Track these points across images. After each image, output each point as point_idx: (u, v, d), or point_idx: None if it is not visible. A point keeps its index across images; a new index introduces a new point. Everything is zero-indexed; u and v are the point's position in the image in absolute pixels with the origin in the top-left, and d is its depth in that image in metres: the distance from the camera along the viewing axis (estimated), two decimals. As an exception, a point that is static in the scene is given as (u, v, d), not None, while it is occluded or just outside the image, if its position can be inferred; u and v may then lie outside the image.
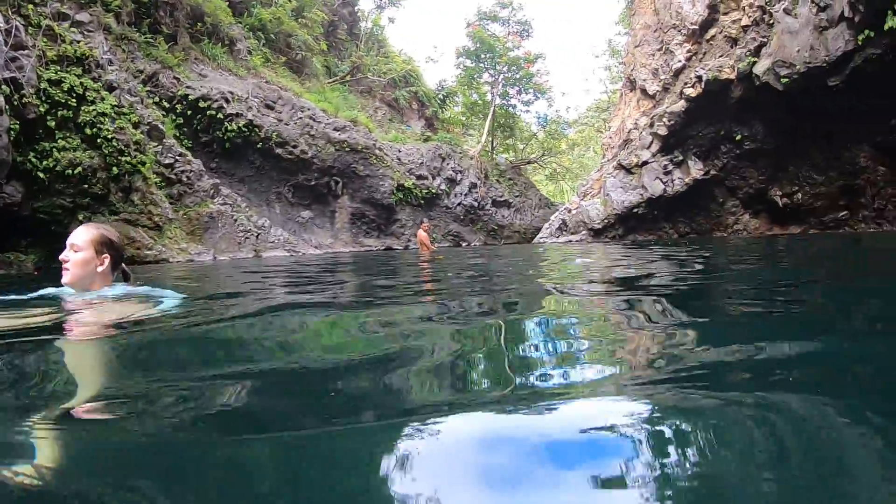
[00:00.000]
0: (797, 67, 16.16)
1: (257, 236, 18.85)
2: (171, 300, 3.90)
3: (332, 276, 7.62)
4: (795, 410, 1.50)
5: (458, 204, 29.99)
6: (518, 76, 37.30)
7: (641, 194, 21.60)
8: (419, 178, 27.85)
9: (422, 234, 17.74)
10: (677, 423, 1.42)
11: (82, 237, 3.79)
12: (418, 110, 34.00)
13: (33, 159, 14.11)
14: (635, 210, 21.74)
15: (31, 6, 15.25)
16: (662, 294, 4.16)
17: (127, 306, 3.67)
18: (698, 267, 6.68)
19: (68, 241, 3.77)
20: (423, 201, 27.83)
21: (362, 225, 25.45)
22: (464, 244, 29.07)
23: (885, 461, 1.24)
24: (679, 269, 6.41)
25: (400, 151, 27.78)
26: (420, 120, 33.92)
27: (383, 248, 24.94)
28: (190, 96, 19.52)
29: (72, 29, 15.92)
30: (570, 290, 4.75)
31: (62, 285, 3.90)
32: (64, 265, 3.76)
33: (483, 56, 36.30)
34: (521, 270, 7.54)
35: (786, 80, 16.54)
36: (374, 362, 2.25)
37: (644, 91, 23.58)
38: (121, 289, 3.97)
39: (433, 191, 28.37)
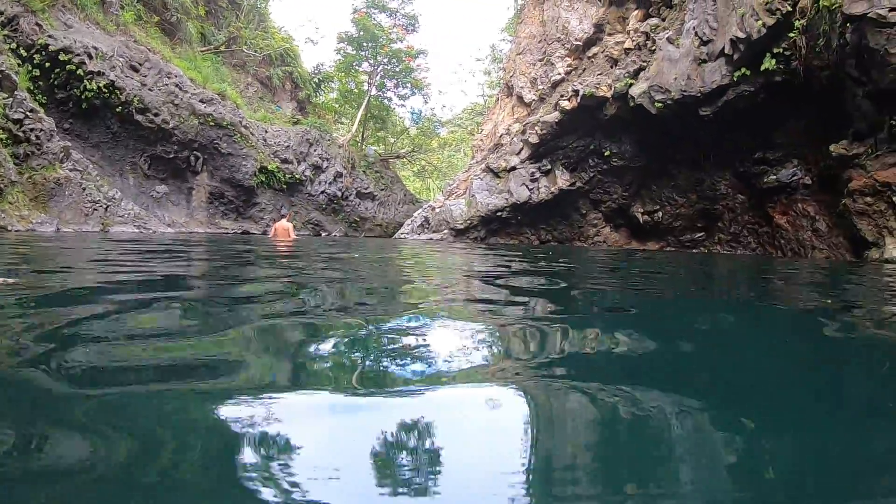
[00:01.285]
0: (672, 94, 17.26)
1: (106, 208, 17.75)
2: None
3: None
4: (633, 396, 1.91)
5: (322, 192, 29.63)
6: (398, 69, 37.35)
7: (507, 199, 22.30)
8: (284, 161, 27.24)
9: (285, 224, 17.24)
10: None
11: None
12: (291, 91, 33.17)
13: None
14: (499, 213, 22.43)
15: None
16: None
17: None
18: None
19: None
20: (285, 186, 27.26)
21: (220, 206, 24.59)
22: (324, 234, 28.82)
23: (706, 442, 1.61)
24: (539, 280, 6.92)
25: (267, 132, 27.01)
26: (292, 102, 33.12)
27: (240, 231, 24.28)
28: (51, 47, 17.99)
29: None
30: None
31: None
32: None
33: (365, 44, 36.02)
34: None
35: (659, 104, 17.63)
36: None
37: (520, 98, 24.32)
38: None
39: (297, 176, 27.86)
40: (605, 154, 21.22)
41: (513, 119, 24.47)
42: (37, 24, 17.88)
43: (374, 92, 37.19)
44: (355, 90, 38.22)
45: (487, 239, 22.86)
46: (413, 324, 3.11)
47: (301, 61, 33.89)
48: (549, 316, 3.56)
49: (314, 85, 35.16)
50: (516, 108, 24.75)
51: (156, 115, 21.13)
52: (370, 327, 2.92)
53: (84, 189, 17.19)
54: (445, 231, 23.28)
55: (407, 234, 24.88)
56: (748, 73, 15.55)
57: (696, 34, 16.80)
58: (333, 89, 38.38)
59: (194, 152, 22.96)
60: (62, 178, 16.56)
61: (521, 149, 22.39)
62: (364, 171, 33.12)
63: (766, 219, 18.30)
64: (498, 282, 5.59)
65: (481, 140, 26.89)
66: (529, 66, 24.27)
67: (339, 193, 30.47)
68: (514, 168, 22.45)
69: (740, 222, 19.63)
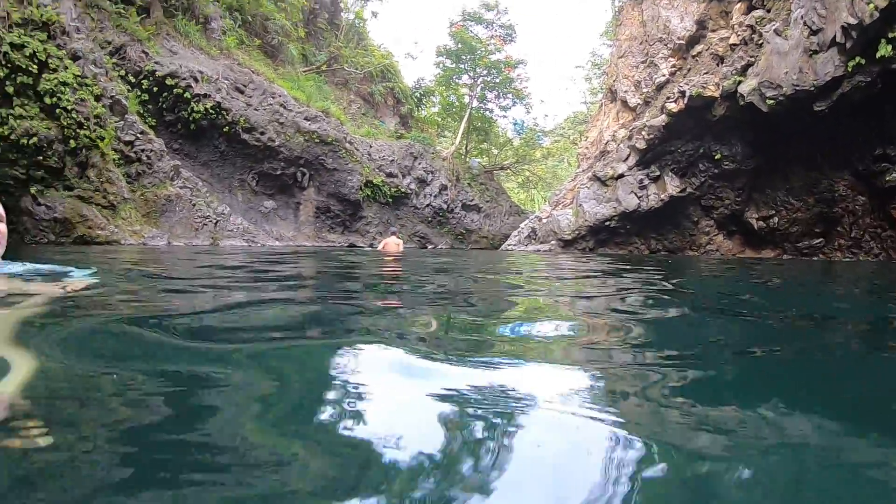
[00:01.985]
0: (784, 89, 16.06)
1: (216, 223, 18.32)
2: (78, 275, 3.80)
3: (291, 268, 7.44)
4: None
5: (427, 205, 29.64)
6: (497, 80, 37.06)
7: (615, 207, 21.46)
8: (389, 175, 27.45)
9: (395, 240, 17.54)
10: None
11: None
12: (393, 107, 33.58)
13: None
14: (607, 223, 21.60)
15: None
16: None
17: (42, 284, 3.55)
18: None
19: None
20: (391, 200, 27.44)
21: (327, 219, 25.00)
22: (430, 246, 28.75)
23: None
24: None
25: (371, 147, 27.33)
26: (394, 117, 33.51)
27: (347, 244, 24.53)
28: (157, 72, 18.90)
29: None
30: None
31: None
32: None
33: (464, 57, 36.00)
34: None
35: (771, 101, 16.43)
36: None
37: (625, 103, 23.49)
38: (17, 265, 3.84)
39: (402, 190, 27.99)
40: (716, 157, 20.08)
41: (618, 125, 23.60)
42: (143, 51, 18.80)
43: (475, 104, 37.06)
44: (456, 103, 38.23)
45: (596, 249, 22.02)
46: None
47: (401, 77, 34.29)
48: (661, 361, 2.35)
49: (416, 99, 35.45)
50: (621, 114, 23.87)
51: (262, 133, 21.73)
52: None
53: (194, 205, 17.80)
54: (553, 242, 22.62)
55: (514, 245, 24.38)
56: (863, 62, 14.18)
57: (804, 24, 15.48)
58: (435, 103, 38.55)
59: (301, 168, 23.43)
60: (173, 195, 17.22)
61: (628, 155, 21.49)
62: (468, 184, 32.90)
63: (890, 221, 16.83)
64: (610, 306, 4.74)
65: (587, 148, 26.13)
66: (632, 69, 23.36)
67: (445, 206, 30.36)
68: (621, 175, 21.57)
69: (861, 226, 18.16)
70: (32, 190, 13.86)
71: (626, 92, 23.43)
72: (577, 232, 22.07)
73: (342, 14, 32.23)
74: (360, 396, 1.63)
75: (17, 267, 3.82)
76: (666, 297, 4.97)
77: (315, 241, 23.77)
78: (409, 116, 34.62)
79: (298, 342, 2.46)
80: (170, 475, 1.12)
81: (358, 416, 1.46)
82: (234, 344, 2.34)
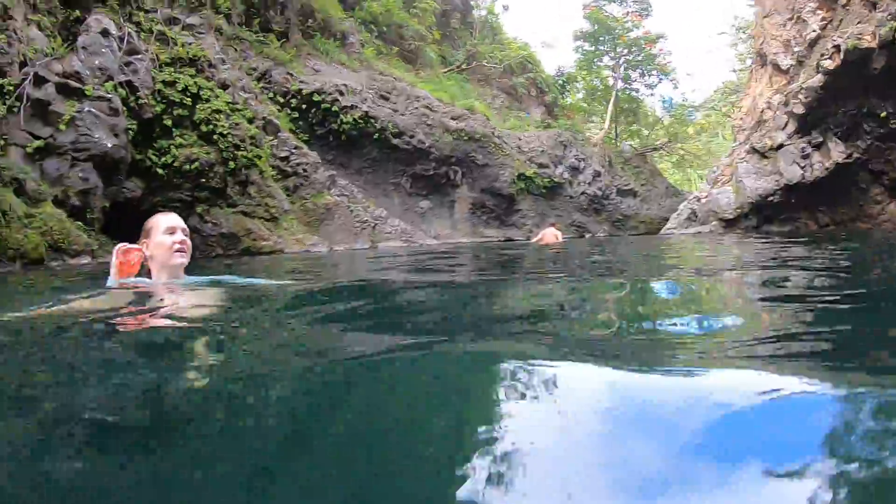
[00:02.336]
0: None
1: (374, 227, 18.59)
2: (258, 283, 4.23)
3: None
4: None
5: (582, 193, 28.58)
6: (640, 58, 35.40)
7: (777, 181, 19.44)
8: (540, 166, 26.72)
9: (554, 231, 17.65)
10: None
11: (182, 222, 3.91)
12: (537, 97, 32.88)
13: (152, 156, 14.55)
14: (770, 198, 19.59)
15: (142, 13, 15.83)
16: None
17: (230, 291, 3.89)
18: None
19: (179, 225, 3.84)
20: (544, 191, 26.67)
21: (482, 215, 24.70)
22: (587, 235, 27.68)
23: None
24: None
25: (520, 140, 26.81)
26: (539, 107, 32.80)
27: (504, 238, 24.08)
28: (304, 90, 19.55)
29: (183, 32, 16.33)
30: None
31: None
32: (184, 248, 3.82)
33: (602, 38, 34.69)
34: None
35: None
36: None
37: (776, 66, 21.39)
38: (203, 278, 4.22)
39: (555, 180, 27.14)
40: (881, 115, 17.69)
41: (772, 91, 21.53)
42: (288, 73, 19.52)
43: (620, 85, 35.55)
44: (601, 86, 36.87)
45: (759, 228, 20.08)
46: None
47: (542, 66, 33.55)
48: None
49: (559, 87, 34.55)
50: (774, 78, 21.78)
51: (411, 136, 21.87)
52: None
53: (352, 211, 18.14)
54: (714, 222, 20.99)
55: (673, 228, 22.94)
56: None
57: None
58: (579, 89, 37.44)
59: (452, 167, 23.33)
60: (330, 203, 17.67)
61: (786, 122, 19.51)
62: (622, 168, 31.47)
63: None
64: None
65: (741, 119, 24.20)
66: (779, 27, 21.25)
67: (599, 193, 29.15)
68: (781, 146, 19.60)
69: None
70: (199, 210, 14.67)
71: (776, 54, 21.33)
72: (738, 210, 20.27)
73: (474, 12, 32.10)
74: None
75: (201, 278, 4.19)
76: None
77: (472, 237, 23.51)
78: (554, 105, 33.74)
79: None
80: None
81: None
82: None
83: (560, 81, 35.20)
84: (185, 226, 3.88)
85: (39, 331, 2.74)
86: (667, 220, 26.48)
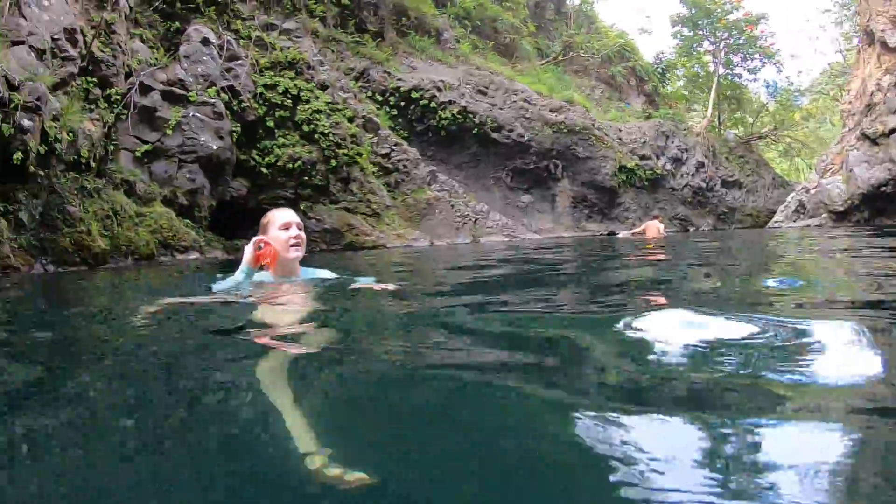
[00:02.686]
0: None
1: (475, 221, 18.32)
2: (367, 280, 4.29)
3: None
4: None
5: (685, 185, 27.32)
6: (741, 41, 33.58)
7: (889, 169, 17.91)
8: (642, 158, 25.72)
9: (656, 224, 17.56)
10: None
11: (297, 217, 4.06)
12: (637, 86, 31.80)
13: (256, 156, 15.01)
14: (882, 188, 18.03)
15: (239, 21, 16.41)
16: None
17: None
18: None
19: (294, 221, 3.97)
20: (647, 183, 25.62)
21: (584, 209, 23.98)
22: (691, 228, 26.43)
23: None
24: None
25: (620, 131, 25.93)
26: (640, 96, 31.71)
27: (606, 232, 23.29)
28: (402, 88, 19.53)
29: (281, 37, 16.80)
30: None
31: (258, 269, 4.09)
32: (299, 241, 3.95)
33: (700, 22, 33.14)
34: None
35: None
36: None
37: (884, 44, 19.76)
38: (321, 272, 4.36)
39: (657, 171, 26.03)
40: None
41: (881, 71, 19.94)
42: (385, 71, 19.55)
43: (721, 71, 33.83)
44: (702, 73, 35.25)
45: (871, 220, 18.56)
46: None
47: (640, 54, 32.44)
48: None
49: (658, 75, 33.30)
50: (882, 57, 20.17)
51: (510, 130, 21.49)
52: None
53: (453, 206, 17.95)
54: (824, 215, 19.69)
55: (781, 222, 21.69)
56: None
57: None
58: (679, 76, 35.93)
59: (553, 160, 22.78)
60: (431, 199, 17.57)
61: None
62: (726, 158, 29.93)
63: None
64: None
65: (850, 103, 22.61)
66: (885, 2, 19.69)
67: (703, 184, 27.79)
68: (893, 131, 18.07)
69: None
70: (302, 206, 14.97)
71: (883, 31, 19.74)
72: (849, 202, 18.88)
73: (568, 1, 31.39)
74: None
75: (324, 273, 4.37)
76: None
77: (574, 230, 22.84)
78: (655, 94, 32.52)
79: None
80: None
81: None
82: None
83: (659, 69, 33.93)
84: (300, 220, 4.02)
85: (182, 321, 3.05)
86: (774, 212, 25.34)
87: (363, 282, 4.30)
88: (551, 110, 22.70)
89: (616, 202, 24.69)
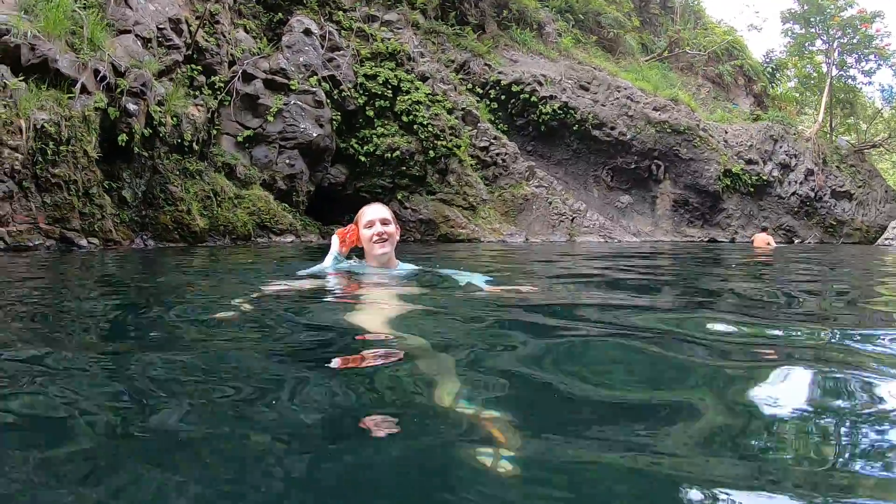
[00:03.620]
0: None
1: (572, 220, 17.81)
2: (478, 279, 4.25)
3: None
4: None
5: (793, 193, 25.68)
6: (855, 41, 31.39)
7: None
8: (748, 162, 24.35)
9: (765, 237, 17.21)
10: None
11: (388, 213, 4.18)
12: (745, 86, 30.32)
13: (355, 145, 15.15)
14: None
15: (341, 13, 16.55)
16: None
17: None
18: None
19: (377, 218, 4.09)
20: (752, 189, 24.23)
21: (685, 213, 22.92)
22: (796, 241, 24.87)
23: None
24: None
25: (726, 132, 24.66)
26: (748, 97, 30.20)
27: (706, 239, 22.20)
28: (502, 81, 19.17)
29: (382, 28, 16.82)
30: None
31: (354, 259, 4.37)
32: (383, 237, 4.09)
33: (812, 19, 31.19)
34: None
35: None
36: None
37: None
38: (410, 267, 4.43)
39: (763, 177, 24.56)
40: None
41: None
42: (486, 64, 19.26)
43: (834, 72, 31.71)
44: (814, 74, 33.24)
45: None
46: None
47: (749, 52, 30.84)
48: None
49: (768, 75, 31.56)
50: None
51: (612, 128, 20.80)
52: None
53: (550, 203, 17.55)
54: None
55: (891, 240, 19.99)
56: None
57: None
58: (790, 77, 33.98)
59: (655, 161, 21.90)
60: (529, 195, 17.23)
61: None
62: (837, 167, 27.91)
63: None
64: None
65: None
66: None
67: (812, 194, 26.03)
68: None
69: None
70: (399, 196, 15.16)
71: None
72: None
73: (673, -3, 30.29)
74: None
75: (413, 267, 4.49)
76: None
77: (673, 235, 21.87)
78: (764, 95, 30.89)
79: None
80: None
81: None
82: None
83: (769, 68, 32.16)
84: (387, 216, 4.13)
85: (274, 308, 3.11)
86: (884, 228, 23.63)
87: (471, 280, 4.30)
88: (655, 108, 21.82)
89: (719, 208, 23.50)
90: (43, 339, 2.51)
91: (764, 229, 18.03)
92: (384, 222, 4.09)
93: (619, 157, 21.24)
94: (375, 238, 4.06)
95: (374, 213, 4.13)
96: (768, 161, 25.30)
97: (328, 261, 4.29)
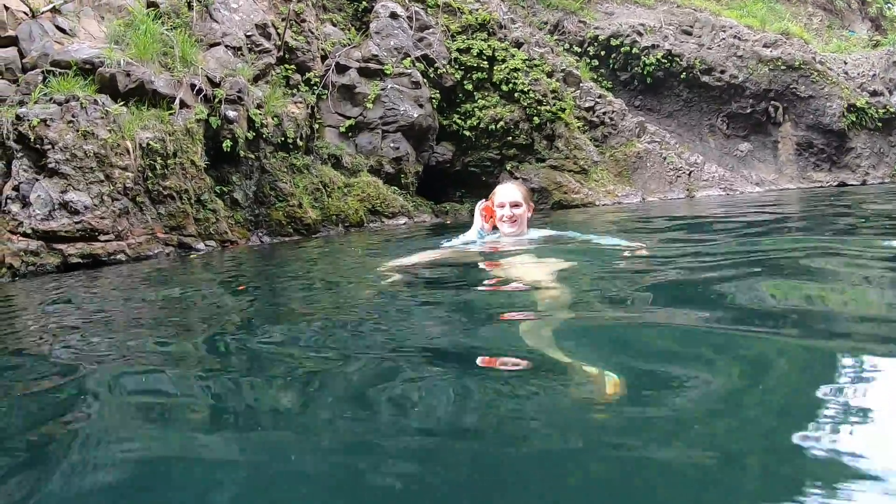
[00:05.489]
0: None
1: (689, 174, 16.91)
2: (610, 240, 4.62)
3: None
4: None
5: (925, 126, 23.49)
6: None
7: None
8: (873, 94, 22.24)
9: None
10: None
11: (519, 195, 4.47)
12: (860, 10, 27.89)
13: (458, 120, 14.97)
14: None
15: None
16: None
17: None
18: None
19: (507, 200, 4.39)
20: (880, 124, 22.18)
21: (810, 157, 21.25)
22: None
23: None
24: None
25: (846, 63, 22.69)
26: (864, 22, 27.80)
27: (836, 183, 20.56)
28: (600, 36, 18.37)
29: (468, 1, 16.40)
30: None
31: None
32: (512, 219, 4.36)
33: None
34: None
35: None
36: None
37: None
38: (541, 232, 4.72)
39: (891, 109, 22.31)
40: None
41: None
42: (580, 21, 18.57)
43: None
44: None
45: None
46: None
47: (861, -29, 28.38)
48: None
49: (884, -5, 28.99)
50: None
51: (722, 72, 19.54)
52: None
53: (664, 159, 16.79)
54: None
55: None
56: None
57: None
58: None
59: (772, 103, 20.44)
60: (641, 152, 16.61)
61: None
62: None
63: None
64: None
65: None
66: None
67: (951, 124, 23.68)
68: None
69: None
70: (508, 167, 14.94)
71: None
72: None
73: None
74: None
75: (541, 232, 4.76)
76: None
77: (799, 182, 20.33)
78: (881, 17, 28.35)
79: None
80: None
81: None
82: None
83: (888, -12, 29.64)
84: (517, 198, 4.42)
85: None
86: None
87: (606, 242, 4.62)
88: (765, 45, 20.34)
89: (846, 147, 21.64)
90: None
91: None
92: (514, 205, 4.38)
93: (733, 102, 19.93)
94: (505, 219, 4.39)
95: (504, 194, 4.45)
96: (895, 91, 23.22)
97: (472, 234, 4.58)
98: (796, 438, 1.25)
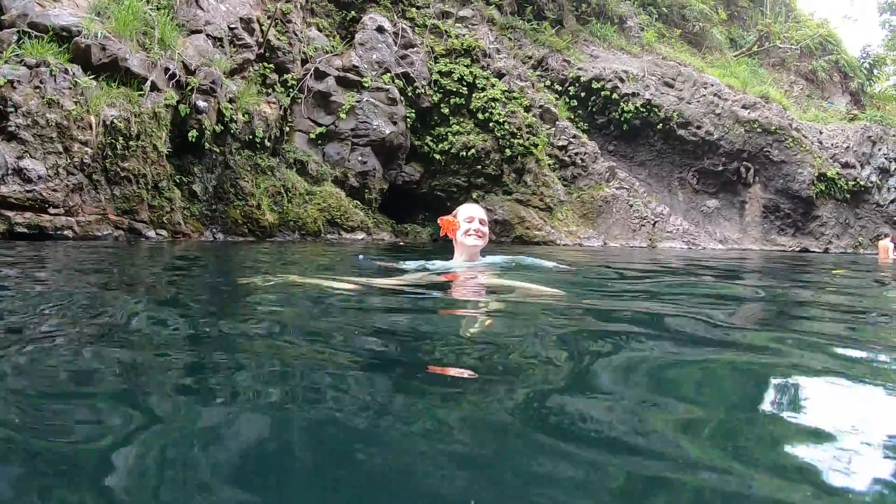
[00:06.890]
0: None
1: (654, 224, 16.94)
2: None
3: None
4: None
5: (892, 201, 23.84)
6: (958, 33, 29.34)
7: None
8: (844, 166, 22.66)
9: (886, 244, 15.07)
10: None
11: (483, 213, 4.60)
12: (840, 83, 28.49)
13: (430, 143, 14.94)
14: None
15: (414, 9, 16.50)
16: None
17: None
18: None
19: (476, 216, 4.52)
20: (848, 195, 22.61)
21: (775, 220, 21.49)
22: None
23: None
24: None
25: (821, 133, 23.08)
26: (844, 95, 28.37)
27: (798, 248, 20.79)
28: (582, 78, 18.40)
29: (456, 24, 16.64)
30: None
31: (446, 258, 4.75)
32: (478, 234, 4.48)
33: (911, 10, 29.31)
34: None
35: None
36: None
37: None
38: (498, 258, 4.94)
39: (860, 183, 22.83)
40: None
41: None
42: (564, 60, 18.59)
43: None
44: (915, 70, 31.23)
45: None
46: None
47: (844, 46, 28.93)
48: None
49: (865, 71, 29.62)
50: None
51: (698, 127, 19.72)
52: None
53: (631, 206, 16.78)
54: None
55: None
56: None
57: None
58: (889, 74, 31.91)
59: (744, 163, 20.67)
60: (609, 196, 16.57)
61: None
62: None
63: None
64: None
65: None
66: None
67: (913, 202, 24.20)
68: None
69: None
70: (474, 195, 14.90)
71: None
72: None
73: (763, -13, 28.79)
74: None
75: (497, 258, 4.95)
76: None
77: (762, 244, 20.52)
78: (861, 93, 28.95)
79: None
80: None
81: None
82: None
83: (866, 64, 30.25)
84: (486, 218, 4.59)
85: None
86: None
87: (539, 264, 4.94)
88: (744, 106, 20.60)
89: (812, 215, 21.94)
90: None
91: (887, 235, 16.19)
92: (482, 222, 4.52)
93: (705, 158, 20.10)
94: (473, 231, 4.44)
95: (473, 210, 4.56)
96: (866, 165, 23.59)
97: (417, 262, 4.69)
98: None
